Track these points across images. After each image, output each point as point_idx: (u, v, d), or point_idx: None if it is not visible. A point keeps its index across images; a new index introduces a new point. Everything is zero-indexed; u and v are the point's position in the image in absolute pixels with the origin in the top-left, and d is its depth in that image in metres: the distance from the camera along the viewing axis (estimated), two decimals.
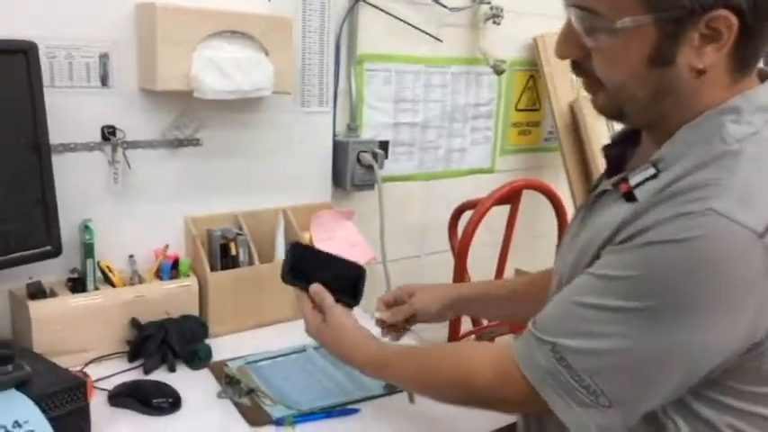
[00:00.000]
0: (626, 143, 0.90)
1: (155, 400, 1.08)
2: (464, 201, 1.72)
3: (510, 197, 1.53)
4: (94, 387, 1.13)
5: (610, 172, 0.88)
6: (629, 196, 0.78)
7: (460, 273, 1.50)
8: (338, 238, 1.49)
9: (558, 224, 1.64)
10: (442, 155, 1.81)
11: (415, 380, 0.92)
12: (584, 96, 1.85)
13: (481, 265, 1.67)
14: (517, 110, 1.93)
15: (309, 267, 1.03)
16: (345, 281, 1.02)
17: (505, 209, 1.65)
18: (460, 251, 1.48)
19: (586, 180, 1.84)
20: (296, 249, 1.07)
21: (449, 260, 1.79)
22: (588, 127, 1.81)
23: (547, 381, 0.76)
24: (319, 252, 1.10)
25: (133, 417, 1.07)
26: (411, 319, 1.13)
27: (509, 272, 1.74)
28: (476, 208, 1.49)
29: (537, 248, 2.05)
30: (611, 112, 0.82)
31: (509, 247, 1.58)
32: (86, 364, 1.21)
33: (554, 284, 0.92)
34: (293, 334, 1.38)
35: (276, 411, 1.08)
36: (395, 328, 1.14)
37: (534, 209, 1.80)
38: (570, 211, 1.69)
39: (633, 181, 0.78)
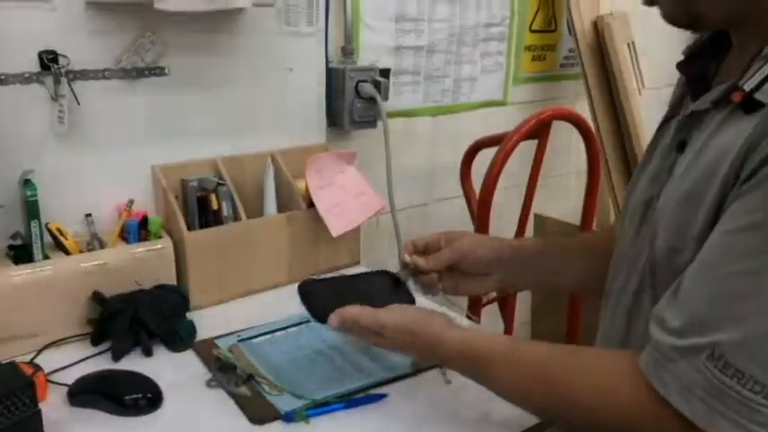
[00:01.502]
0: (704, 57, 0.72)
1: (128, 397, 0.85)
2: (476, 138, 1.49)
3: (537, 130, 1.30)
4: (49, 381, 0.89)
5: (694, 92, 0.69)
6: (750, 103, 0.58)
7: (482, 223, 1.28)
8: (338, 186, 1.25)
9: (590, 161, 1.42)
10: (450, 86, 1.56)
11: (525, 393, 0.71)
12: (611, 13, 1.60)
13: (496, 211, 1.44)
14: (531, 31, 1.68)
15: (335, 301, 0.82)
16: (381, 291, 0.88)
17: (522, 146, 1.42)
18: (483, 196, 1.25)
19: (613, 111, 1.61)
20: (306, 291, 0.87)
21: (461, 208, 1.56)
22: (616, 48, 1.57)
23: (714, 408, 0.55)
24: (334, 279, 0.93)
25: (101, 419, 0.84)
26: (451, 271, 0.92)
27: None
28: (500, 145, 1.25)
29: (553, 191, 1.84)
30: (683, 19, 0.64)
31: (534, 190, 1.36)
32: (38, 353, 0.97)
33: (627, 234, 0.74)
34: (291, 301, 1.15)
35: (283, 403, 0.86)
36: (428, 281, 0.92)
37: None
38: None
39: (749, 85, 0.59)
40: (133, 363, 0.96)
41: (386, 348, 0.81)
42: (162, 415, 0.85)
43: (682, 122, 0.70)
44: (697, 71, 0.71)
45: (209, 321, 1.07)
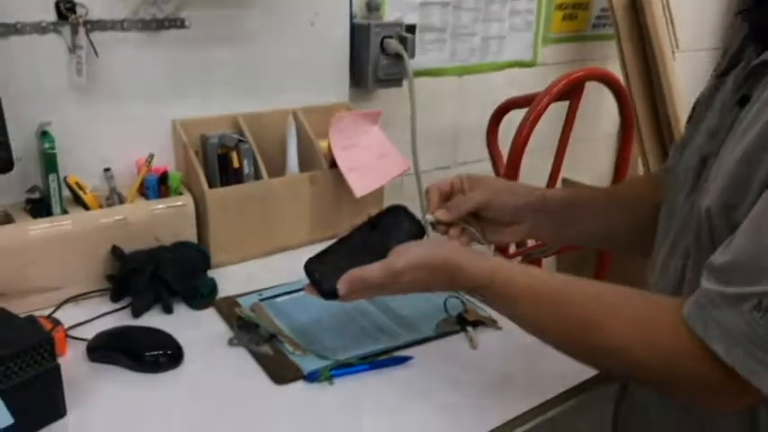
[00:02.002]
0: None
1: (148, 353, 0.83)
2: (503, 99, 1.44)
3: (569, 91, 1.25)
4: (68, 336, 0.88)
5: (760, 43, 0.64)
6: None
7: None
8: (362, 146, 1.21)
9: (623, 124, 1.36)
10: (478, 44, 1.51)
11: (553, 326, 0.67)
12: None
13: (523, 175, 1.40)
14: None
15: (345, 262, 0.75)
16: (393, 233, 0.79)
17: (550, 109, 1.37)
18: (512, 158, 1.21)
19: (646, 73, 1.55)
20: (312, 270, 0.78)
21: (487, 171, 1.53)
22: (651, 8, 1.50)
23: (755, 358, 0.53)
24: (340, 243, 0.81)
25: (120, 375, 0.82)
26: (477, 218, 0.85)
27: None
28: (530, 106, 1.21)
29: (580, 156, 1.79)
30: None
31: (564, 154, 1.31)
32: (57, 308, 0.95)
33: (679, 192, 0.70)
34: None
35: (307, 362, 0.84)
36: (453, 235, 0.84)
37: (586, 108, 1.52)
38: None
39: None
40: (153, 320, 0.94)
41: (406, 293, 0.75)
42: (182, 372, 0.83)
43: (743, 76, 0.65)
44: (759, 20, 0.66)
45: (230, 280, 1.05)
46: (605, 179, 1.64)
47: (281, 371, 0.83)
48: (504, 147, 1.46)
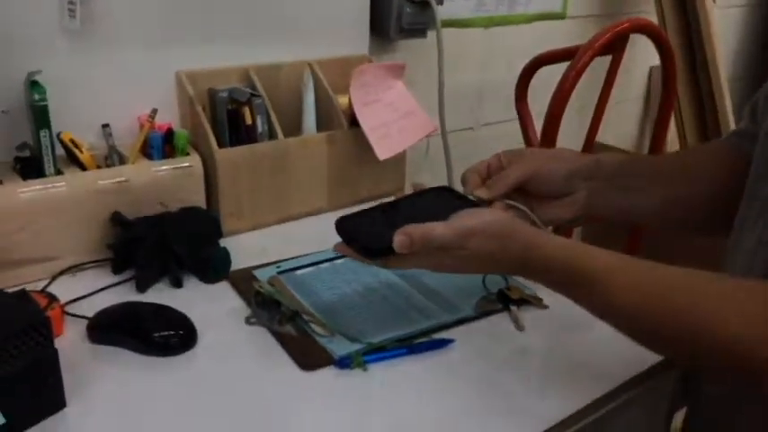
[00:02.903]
0: None
1: (157, 334, 0.73)
2: (530, 54, 1.33)
3: (612, 45, 1.14)
4: (66, 313, 0.78)
5: None
6: None
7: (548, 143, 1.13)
8: (386, 103, 1.10)
9: (666, 82, 1.26)
10: None
11: (642, 315, 0.58)
12: None
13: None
14: None
15: (388, 230, 0.65)
16: (443, 210, 0.68)
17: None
18: (550, 120, 1.10)
19: (684, 26, 1.43)
20: (346, 227, 0.69)
21: (512, 133, 1.42)
22: None
23: None
24: (378, 208, 0.72)
25: (126, 359, 0.73)
26: (521, 196, 0.75)
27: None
28: (566, 61, 1.10)
29: (609, 117, 1.68)
30: None
31: (602, 115, 1.20)
32: (52, 280, 0.85)
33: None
34: (333, 229, 1.03)
35: (336, 346, 0.74)
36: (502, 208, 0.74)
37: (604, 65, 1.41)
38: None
39: None
40: (161, 295, 0.84)
41: (464, 267, 0.65)
42: (196, 356, 0.74)
43: None
44: None
45: (243, 249, 0.94)
46: (635, 143, 1.54)
47: (307, 355, 0.73)
48: (534, 107, 1.35)
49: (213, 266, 0.88)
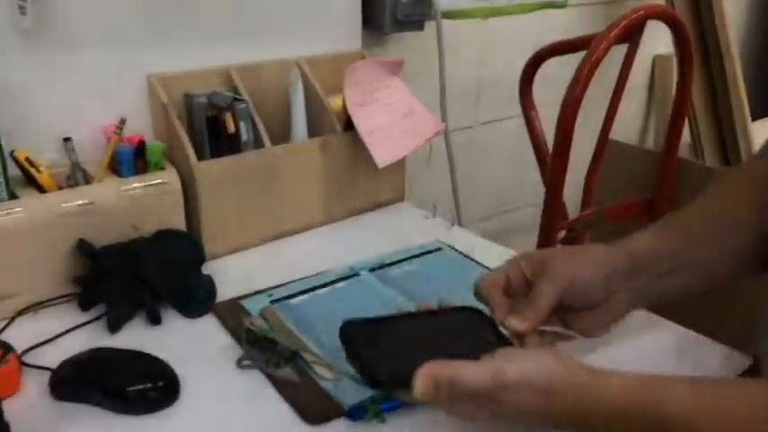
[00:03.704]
0: None
1: (131, 388, 0.62)
2: (530, 47, 1.23)
3: (629, 33, 1.04)
4: (23, 365, 0.66)
5: None
6: None
7: (562, 154, 1.02)
8: (383, 103, 0.99)
9: (683, 71, 1.16)
10: None
11: None
12: None
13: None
14: None
15: (400, 351, 0.55)
16: (459, 337, 0.59)
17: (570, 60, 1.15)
18: (565, 117, 1.00)
19: (695, 9, 1.34)
20: (350, 336, 0.56)
21: (513, 131, 1.32)
22: None
23: None
24: (391, 319, 0.60)
25: (97, 419, 0.61)
26: (557, 312, 0.61)
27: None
28: (587, 52, 0.99)
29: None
30: None
31: (617, 108, 1.10)
32: (9, 321, 0.73)
33: None
34: (330, 248, 0.92)
35: (345, 391, 0.63)
36: (530, 338, 0.59)
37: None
38: None
39: None
40: (136, 335, 0.73)
41: (491, 417, 0.53)
42: (179, 412, 0.62)
43: None
44: None
45: (229, 275, 0.83)
46: (637, 138, 1.45)
47: (313, 405, 0.62)
48: (538, 101, 1.25)
49: (195, 298, 0.77)
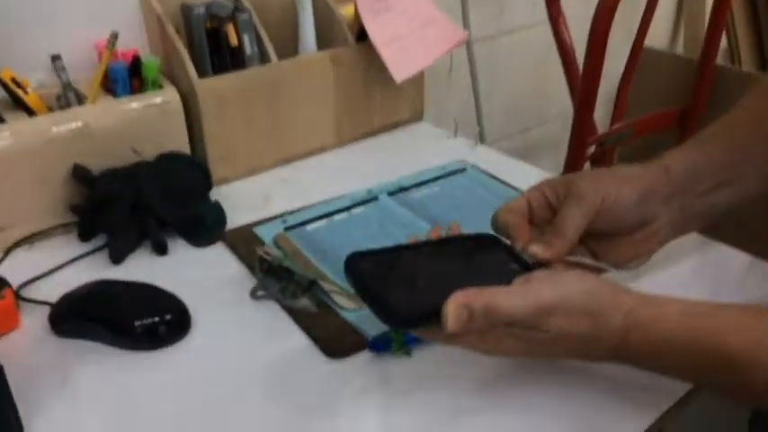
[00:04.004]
0: None
1: (139, 322, 0.57)
2: None
3: None
4: (21, 299, 0.61)
5: None
6: None
7: (596, 60, 0.93)
8: (399, 11, 0.90)
9: None
10: None
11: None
12: None
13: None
14: None
15: (410, 284, 0.47)
16: (480, 265, 0.51)
17: None
18: (599, 21, 0.90)
19: None
20: (360, 271, 0.48)
21: (539, 41, 1.22)
22: None
23: None
24: (399, 251, 0.51)
25: (101, 355, 0.56)
26: (587, 240, 0.55)
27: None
28: None
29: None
30: None
31: (653, 11, 1.00)
32: (5, 254, 0.69)
33: None
34: (344, 169, 0.86)
35: (368, 323, 0.58)
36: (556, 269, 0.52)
37: None
38: None
39: None
40: (141, 266, 0.68)
41: (534, 354, 0.48)
42: (191, 346, 0.58)
43: None
44: None
45: (239, 201, 0.78)
46: (665, 45, 1.34)
47: (333, 338, 0.58)
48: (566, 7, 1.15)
49: (204, 226, 0.71)
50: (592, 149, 1.07)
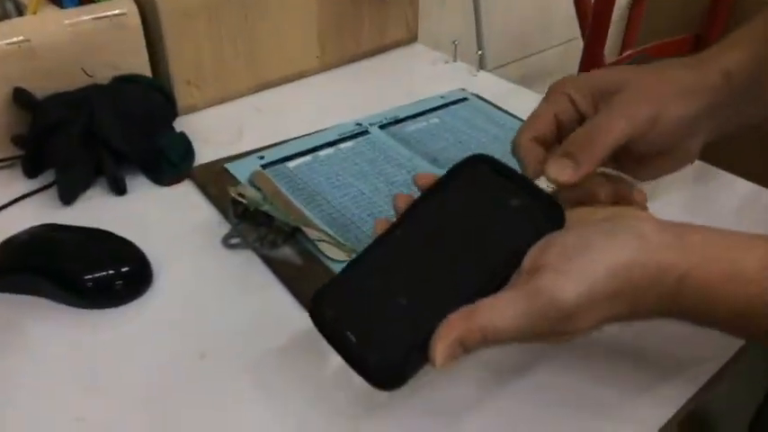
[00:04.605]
0: None
1: (90, 276, 0.48)
2: None
3: None
4: None
5: None
6: None
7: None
8: None
9: None
10: None
11: None
12: None
13: None
14: None
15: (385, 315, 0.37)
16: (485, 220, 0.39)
17: None
18: None
19: None
20: (322, 311, 0.39)
21: None
22: None
23: None
24: (370, 253, 0.40)
25: (49, 313, 0.48)
26: (625, 158, 0.45)
27: None
28: None
29: None
30: None
31: None
32: None
33: None
34: (329, 97, 0.76)
35: None
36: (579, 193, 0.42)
37: None
38: None
39: None
40: (95, 207, 0.58)
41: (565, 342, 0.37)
42: (152, 304, 0.49)
43: None
44: None
45: (208, 132, 0.68)
46: None
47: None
48: None
49: (168, 160, 0.62)
50: None
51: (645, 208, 0.43)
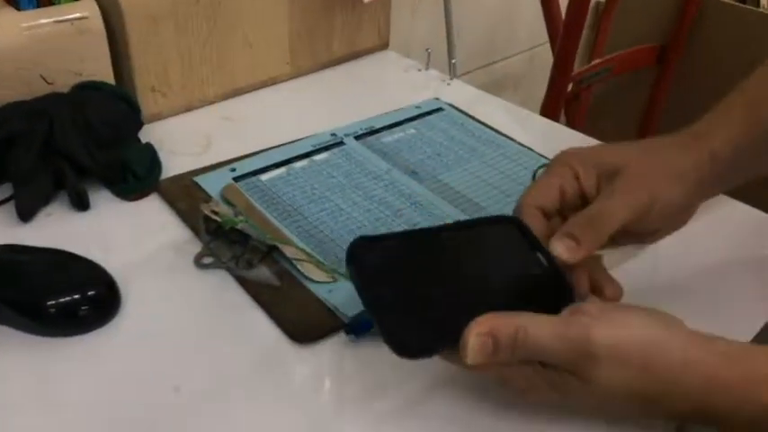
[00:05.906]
0: None
1: (52, 302, 0.45)
2: None
3: None
4: None
5: None
6: None
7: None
8: None
9: None
10: None
11: None
12: None
13: None
14: None
15: (419, 291, 0.40)
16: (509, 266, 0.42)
17: None
18: None
19: None
20: (366, 266, 0.40)
21: None
22: None
23: None
24: (411, 235, 0.45)
25: (9, 343, 0.45)
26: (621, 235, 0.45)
27: None
28: None
29: None
30: None
31: None
32: None
33: None
34: (301, 106, 0.74)
35: (343, 299, 0.48)
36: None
37: None
38: None
39: None
40: (56, 224, 0.55)
41: (570, 404, 0.39)
42: (120, 331, 0.46)
43: None
44: None
45: (175, 143, 0.65)
46: None
47: (299, 317, 0.47)
48: None
49: (133, 173, 0.59)
50: (569, 88, 0.98)
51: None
